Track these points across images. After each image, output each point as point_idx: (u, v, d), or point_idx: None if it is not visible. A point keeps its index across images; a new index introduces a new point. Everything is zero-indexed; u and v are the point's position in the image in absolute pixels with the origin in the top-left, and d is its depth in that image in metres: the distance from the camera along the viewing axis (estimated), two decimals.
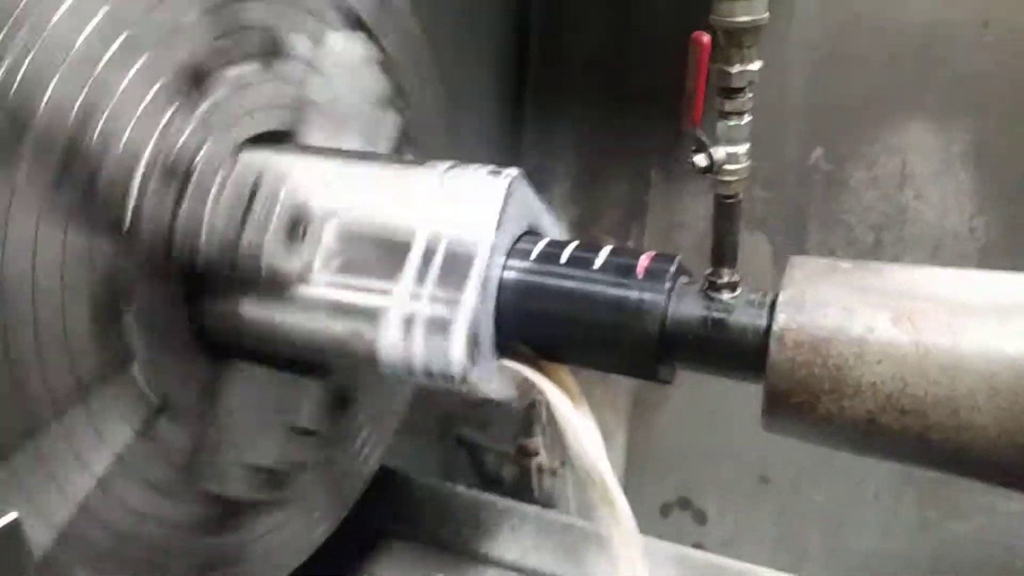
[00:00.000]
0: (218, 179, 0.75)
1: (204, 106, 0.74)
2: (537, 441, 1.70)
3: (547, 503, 1.86)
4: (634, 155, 1.72)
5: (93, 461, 0.71)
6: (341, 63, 0.89)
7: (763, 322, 0.67)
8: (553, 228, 0.79)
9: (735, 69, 0.61)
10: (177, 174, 0.72)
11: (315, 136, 0.86)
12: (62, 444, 0.69)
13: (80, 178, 0.66)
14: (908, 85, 1.53)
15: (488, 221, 0.71)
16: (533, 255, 0.74)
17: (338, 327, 0.74)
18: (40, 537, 0.68)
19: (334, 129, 0.87)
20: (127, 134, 0.68)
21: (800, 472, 1.72)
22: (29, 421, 0.66)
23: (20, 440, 0.66)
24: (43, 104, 0.63)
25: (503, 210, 0.71)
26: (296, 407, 0.87)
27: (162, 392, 0.76)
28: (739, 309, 0.69)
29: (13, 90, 0.61)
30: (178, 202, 0.72)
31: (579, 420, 0.73)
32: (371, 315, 0.72)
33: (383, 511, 1.18)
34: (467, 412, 1.73)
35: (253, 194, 0.75)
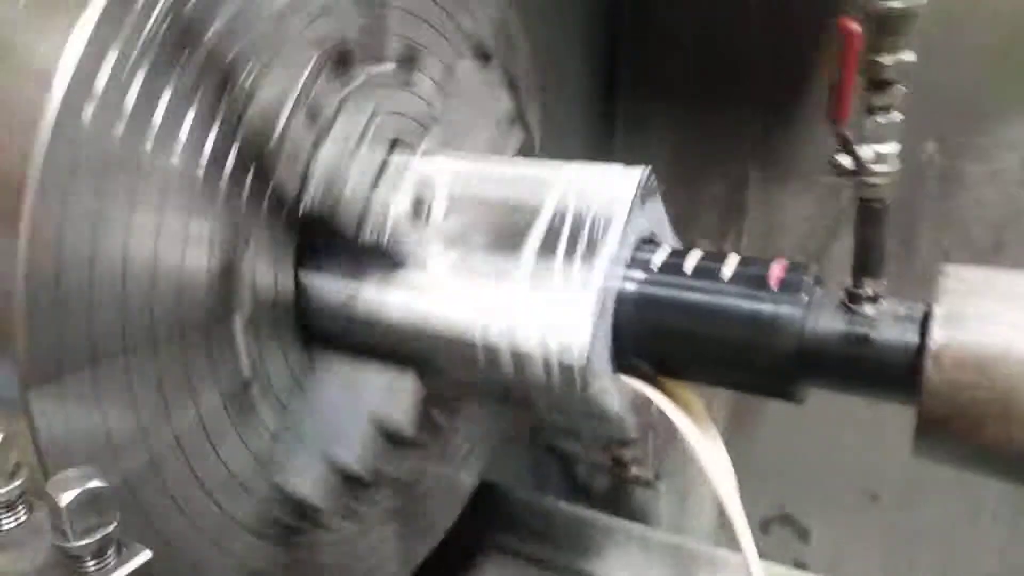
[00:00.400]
0: (354, 140, 0.76)
1: (347, 88, 0.76)
2: (632, 451, 1.65)
3: (640, 515, 1.81)
4: (731, 154, 1.65)
5: (175, 412, 0.68)
6: (468, 86, 0.91)
7: (914, 338, 0.61)
8: (671, 235, 0.75)
9: (888, 60, 0.55)
10: (319, 120, 0.73)
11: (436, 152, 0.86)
12: (148, 380, 0.66)
13: (232, 104, 0.67)
14: None
15: (619, 211, 0.68)
16: (655, 265, 0.69)
17: (453, 315, 0.71)
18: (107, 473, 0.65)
19: (456, 147, 0.87)
20: (279, 79, 0.71)
21: (911, 488, 1.63)
22: (122, 344, 0.64)
23: (112, 353, 0.63)
24: (212, 28, 0.65)
25: (634, 202, 0.68)
26: (392, 405, 0.84)
27: (255, 366, 0.74)
28: (884, 324, 0.63)
29: (192, 4, 0.64)
30: (316, 146, 0.73)
31: (706, 447, 0.68)
32: (488, 305, 0.70)
33: (483, 526, 1.15)
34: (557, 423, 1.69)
35: (385, 162, 0.77)
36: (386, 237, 0.74)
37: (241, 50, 0.68)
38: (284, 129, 0.70)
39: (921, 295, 0.65)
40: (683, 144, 1.67)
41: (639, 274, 0.70)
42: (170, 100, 0.64)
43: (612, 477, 1.74)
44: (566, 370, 0.67)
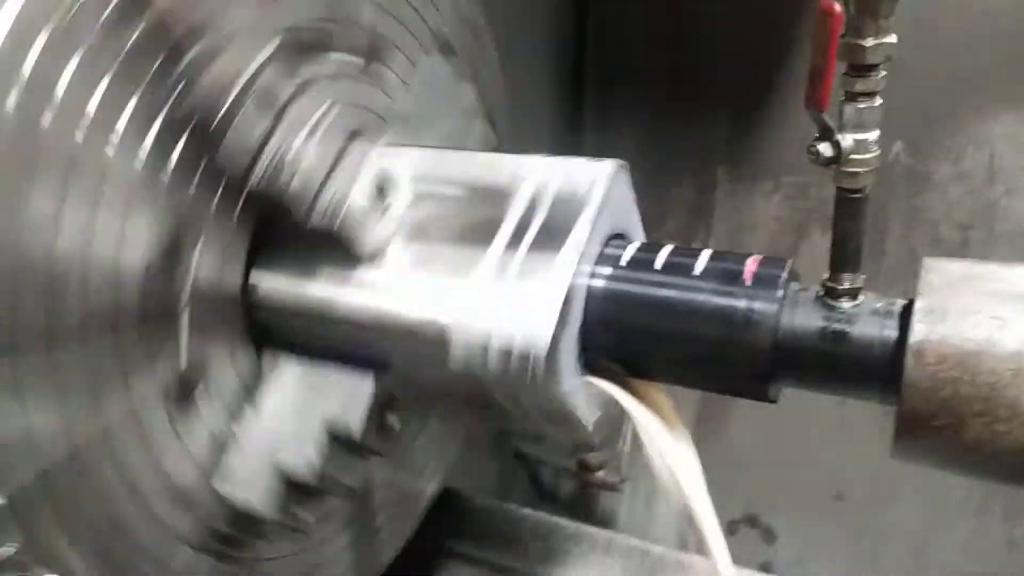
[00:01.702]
0: (309, 126, 0.71)
1: (304, 74, 0.72)
2: (598, 456, 1.63)
3: (607, 520, 1.78)
4: (699, 154, 1.64)
5: (106, 399, 0.63)
6: (432, 85, 0.88)
7: (893, 333, 0.59)
8: (640, 231, 0.71)
9: (869, 43, 0.53)
10: (272, 105, 0.69)
11: None
12: (78, 369, 0.61)
13: (179, 76, 0.63)
14: (996, 72, 1.42)
15: (594, 192, 0.65)
16: (624, 260, 0.66)
17: (410, 314, 0.68)
18: (22, 465, 0.59)
19: (418, 142, 0.83)
20: (229, 55, 0.66)
21: (877, 487, 1.62)
22: (54, 326, 0.59)
23: (34, 343, 0.58)
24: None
25: (606, 196, 0.64)
26: (345, 408, 0.79)
27: (198, 362, 0.69)
28: (863, 319, 0.61)
29: None
30: (269, 133, 0.69)
31: (676, 450, 0.65)
32: (449, 303, 0.66)
33: (445, 534, 1.11)
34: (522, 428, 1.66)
35: (343, 151, 0.72)
36: (339, 225, 0.70)
37: (192, 25, 0.64)
38: (231, 111, 0.66)
39: (890, 295, 0.63)
40: (651, 144, 1.65)
41: (608, 270, 0.66)
42: (110, 84, 0.59)
43: (578, 482, 1.71)
44: (530, 368, 0.63)
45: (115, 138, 0.60)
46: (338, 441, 0.77)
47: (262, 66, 0.68)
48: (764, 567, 1.71)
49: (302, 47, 0.73)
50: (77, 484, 0.62)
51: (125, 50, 0.60)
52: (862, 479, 1.63)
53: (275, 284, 0.73)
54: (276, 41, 0.70)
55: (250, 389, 0.74)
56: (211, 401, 0.71)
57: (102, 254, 0.61)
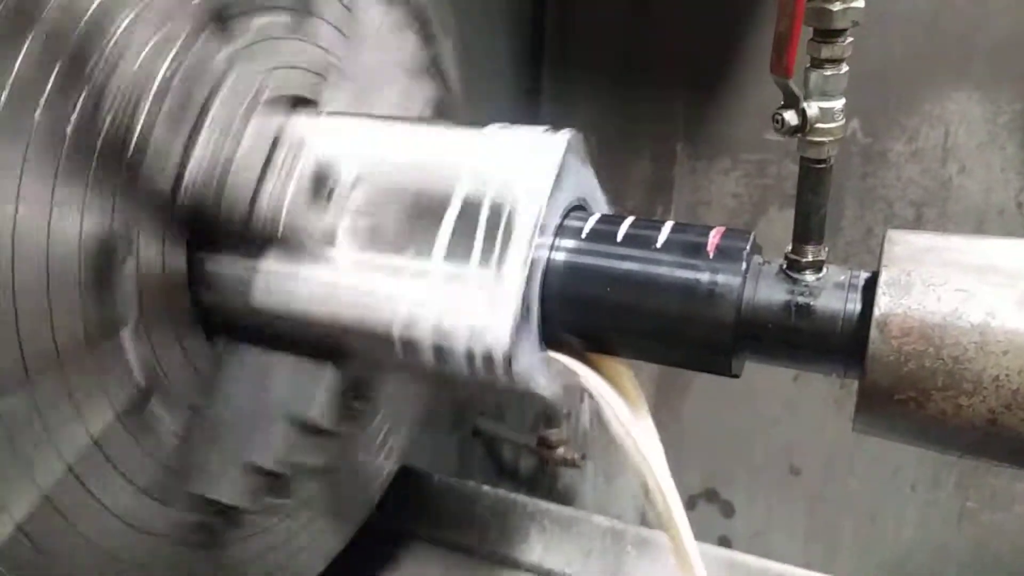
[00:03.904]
0: (236, 124, 0.66)
1: (225, 51, 0.66)
2: (558, 432, 1.62)
3: (567, 496, 1.78)
4: (658, 131, 1.63)
5: (64, 441, 0.61)
6: (372, 31, 0.81)
7: (857, 306, 0.58)
8: (604, 203, 0.70)
9: (836, 6, 0.51)
10: (192, 108, 0.64)
11: (340, 105, 0.77)
12: (31, 415, 0.58)
13: (84, 91, 0.58)
14: (951, 51, 1.43)
15: (544, 177, 0.61)
16: (584, 233, 0.65)
17: (365, 303, 0.65)
18: None
19: (361, 98, 0.79)
20: (140, 58, 0.60)
21: (832, 461, 1.65)
22: None
23: None
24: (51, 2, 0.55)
25: (561, 167, 0.62)
26: (305, 398, 0.77)
27: (152, 371, 0.66)
28: (827, 292, 0.60)
29: None
30: (191, 139, 0.64)
31: (637, 426, 0.64)
32: (403, 290, 0.63)
33: (404, 512, 1.09)
34: (483, 401, 1.65)
35: (275, 144, 0.67)
36: (281, 225, 0.66)
37: (96, 15, 0.58)
38: (155, 104, 0.61)
39: None
40: (610, 121, 1.64)
41: (568, 243, 0.65)
42: (12, 87, 0.54)
43: (538, 458, 1.70)
44: (492, 364, 0.61)
45: (29, 137, 0.55)
46: (301, 428, 0.76)
47: (181, 49, 0.62)
48: (723, 540, 1.73)
49: (218, 22, 0.66)
50: (52, 528, 0.61)
51: (17, 67, 0.54)
52: (817, 453, 1.65)
53: (223, 275, 0.69)
54: (186, 26, 0.63)
55: (209, 383, 0.71)
56: (169, 404, 0.68)
57: (27, 280, 0.57)
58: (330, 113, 0.75)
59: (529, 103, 1.65)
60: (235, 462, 0.73)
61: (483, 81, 1.26)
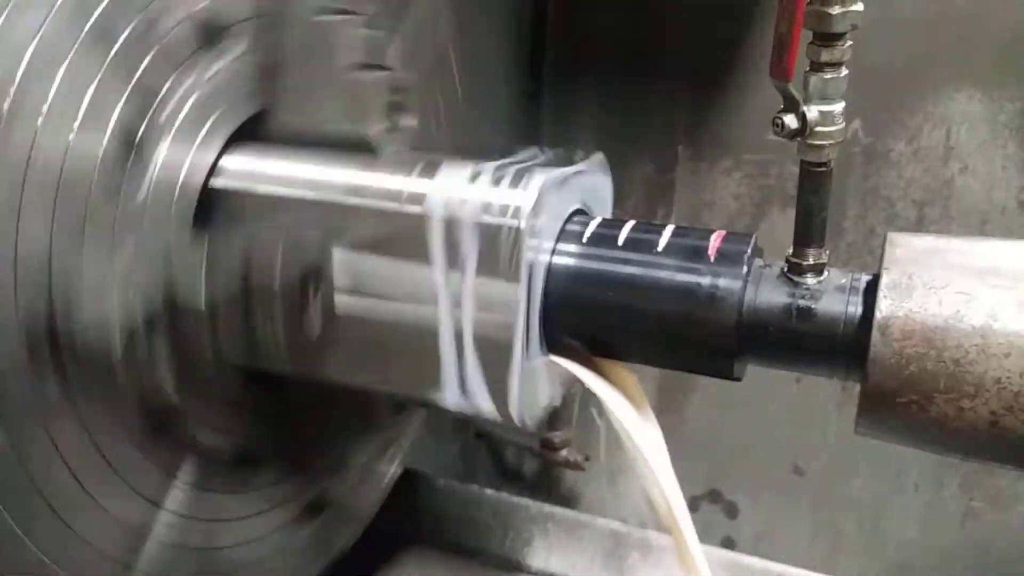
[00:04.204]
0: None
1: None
2: (562, 434, 1.62)
3: (571, 499, 1.78)
4: (659, 130, 1.62)
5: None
6: (310, 27, 0.76)
7: (858, 309, 0.58)
8: (609, 206, 0.70)
9: (836, 10, 0.51)
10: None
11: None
12: None
13: None
14: (952, 50, 1.43)
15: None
16: (586, 237, 0.65)
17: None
18: None
19: (314, 103, 0.75)
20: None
21: (835, 461, 1.64)
22: None
23: None
24: None
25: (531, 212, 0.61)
26: None
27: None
28: (828, 295, 0.60)
29: None
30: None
31: (641, 429, 0.64)
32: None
33: (406, 516, 1.09)
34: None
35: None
36: None
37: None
38: None
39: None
40: (611, 122, 1.63)
41: (569, 247, 0.65)
42: None
43: (541, 461, 1.70)
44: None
45: None
46: None
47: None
48: (727, 541, 1.72)
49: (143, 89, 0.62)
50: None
51: None
52: (820, 453, 1.65)
53: None
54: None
55: None
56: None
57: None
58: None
59: (529, 105, 1.65)
60: None
61: (483, 83, 1.26)
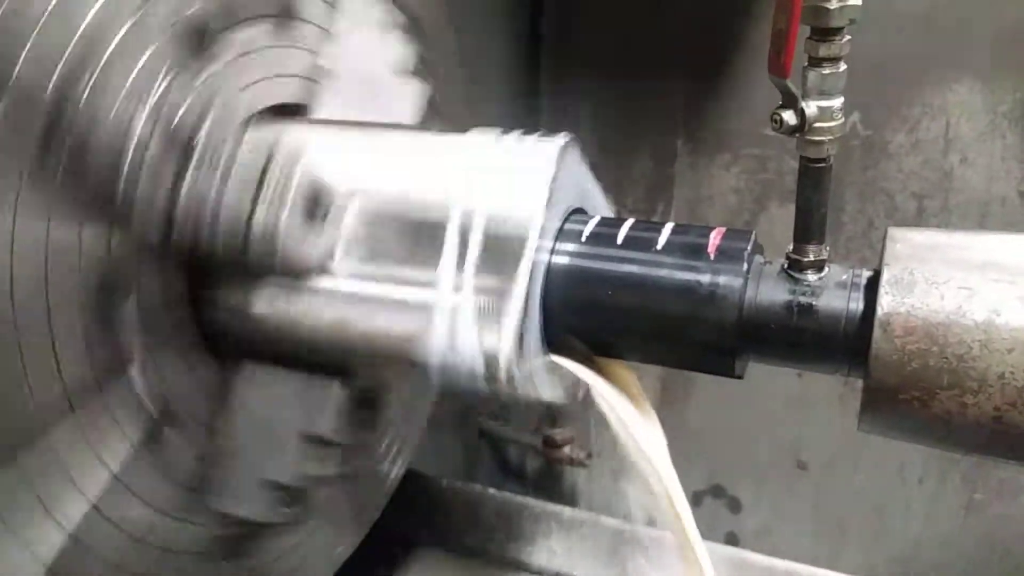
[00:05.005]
0: (224, 154, 0.66)
1: (207, 72, 0.65)
2: (564, 432, 1.62)
3: (573, 497, 1.78)
4: (657, 125, 1.62)
5: (87, 482, 0.62)
6: (358, 29, 0.80)
7: (860, 306, 0.58)
8: (604, 205, 0.69)
9: (833, 5, 0.51)
10: (177, 146, 0.63)
11: (332, 109, 0.77)
12: (49, 463, 0.60)
13: (66, 147, 0.57)
14: (951, 41, 1.42)
15: (537, 196, 0.61)
16: (585, 236, 0.64)
17: (367, 322, 0.65)
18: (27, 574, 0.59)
19: (353, 100, 0.78)
20: (119, 101, 0.59)
21: (838, 455, 1.64)
22: (11, 439, 0.57)
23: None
24: (20, 62, 0.54)
25: (554, 180, 0.61)
26: (316, 414, 0.78)
27: (164, 400, 0.67)
28: (829, 292, 0.60)
29: None
30: (179, 177, 0.64)
31: (642, 428, 0.64)
32: (403, 307, 0.63)
33: (410, 517, 1.09)
34: (488, 403, 1.65)
35: (265, 170, 0.66)
36: (278, 252, 0.65)
37: (64, 74, 0.56)
38: (138, 152, 0.61)
39: (848, 266, 0.61)
40: (610, 118, 1.63)
41: (568, 246, 0.64)
42: None
43: (544, 459, 1.70)
44: (494, 371, 0.62)
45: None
46: (314, 442, 0.76)
47: (153, 104, 0.61)
48: (730, 536, 1.72)
49: (197, 46, 0.65)
50: (80, 563, 0.63)
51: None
52: (823, 448, 1.65)
53: (228, 301, 0.69)
54: (165, 60, 0.62)
55: (223, 404, 0.72)
56: (184, 430, 0.69)
57: (35, 330, 0.57)
58: (322, 122, 0.74)
59: (528, 101, 1.64)
60: (253, 479, 0.74)
61: (482, 80, 1.26)
